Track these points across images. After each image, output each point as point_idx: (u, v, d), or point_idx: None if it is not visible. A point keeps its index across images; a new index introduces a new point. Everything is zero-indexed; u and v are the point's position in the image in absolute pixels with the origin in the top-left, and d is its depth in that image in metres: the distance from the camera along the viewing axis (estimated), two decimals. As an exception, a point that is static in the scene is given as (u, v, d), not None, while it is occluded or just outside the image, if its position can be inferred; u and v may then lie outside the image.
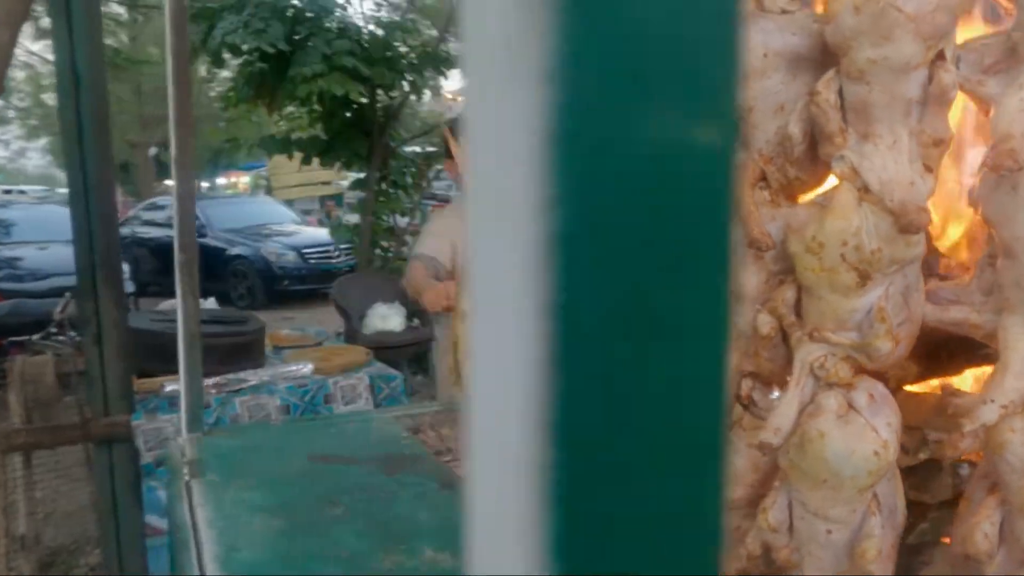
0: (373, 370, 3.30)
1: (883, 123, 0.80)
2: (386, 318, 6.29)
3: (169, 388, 2.81)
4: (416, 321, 6.29)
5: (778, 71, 0.88)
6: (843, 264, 0.80)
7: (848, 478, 0.81)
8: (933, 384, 1.17)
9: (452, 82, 7.94)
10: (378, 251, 7.24)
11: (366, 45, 5.98)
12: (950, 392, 1.08)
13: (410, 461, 1.51)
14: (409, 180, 7.19)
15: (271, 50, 5.49)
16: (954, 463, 1.10)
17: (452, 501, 1.34)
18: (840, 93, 0.83)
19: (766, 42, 0.88)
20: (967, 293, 0.86)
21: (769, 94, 0.89)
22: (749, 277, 0.90)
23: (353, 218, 8.18)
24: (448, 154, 3.11)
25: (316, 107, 6.77)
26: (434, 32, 7.56)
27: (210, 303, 4.03)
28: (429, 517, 1.24)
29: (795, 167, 0.90)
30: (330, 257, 10.60)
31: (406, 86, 6.55)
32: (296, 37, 5.94)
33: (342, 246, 10.44)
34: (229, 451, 1.53)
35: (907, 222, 0.75)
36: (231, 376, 2.99)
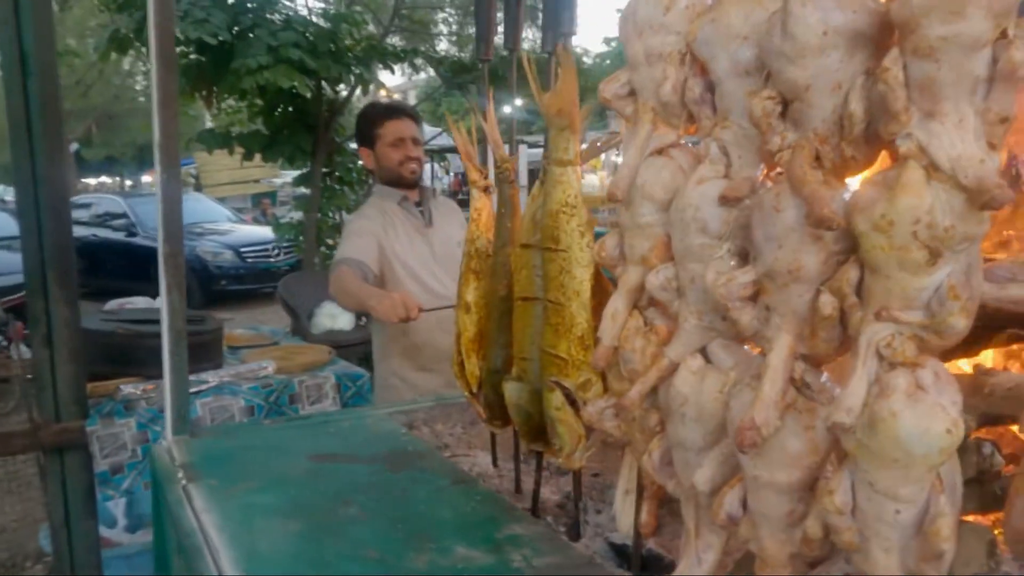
0: (338, 368, 3.22)
1: (949, 101, 0.80)
2: (335, 317, 6.15)
3: (126, 391, 2.67)
4: (364, 319, 6.18)
5: (837, 49, 0.87)
6: (914, 242, 0.80)
7: (920, 456, 0.81)
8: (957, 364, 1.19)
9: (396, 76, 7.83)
10: (323, 248, 7.09)
11: (311, 37, 5.83)
12: (984, 372, 1.10)
13: (415, 457, 1.46)
14: (355, 176, 7.06)
15: (213, 41, 5.29)
16: (978, 442, 1.12)
17: (469, 496, 1.30)
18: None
19: (826, 19, 0.87)
20: None
21: (827, 72, 0.88)
22: (808, 257, 0.89)
23: (296, 215, 7.98)
24: (361, 141, 2.88)
25: (257, 101, 6.58)
26: (379, 26, 7.45)
27: (159, 301, 3.87)
28: (450, 514, 1.19)
29: (851, 146, 0.89)
30: (269, 256, 10.34)
31: (352, 80, 6.42)
32: (237, 28, 5.75)
33: (283, 244, 10.19)
34: (222, 453, 1.45)
35: (988, 199, 0.75)
36: (191, 377, 2.86)
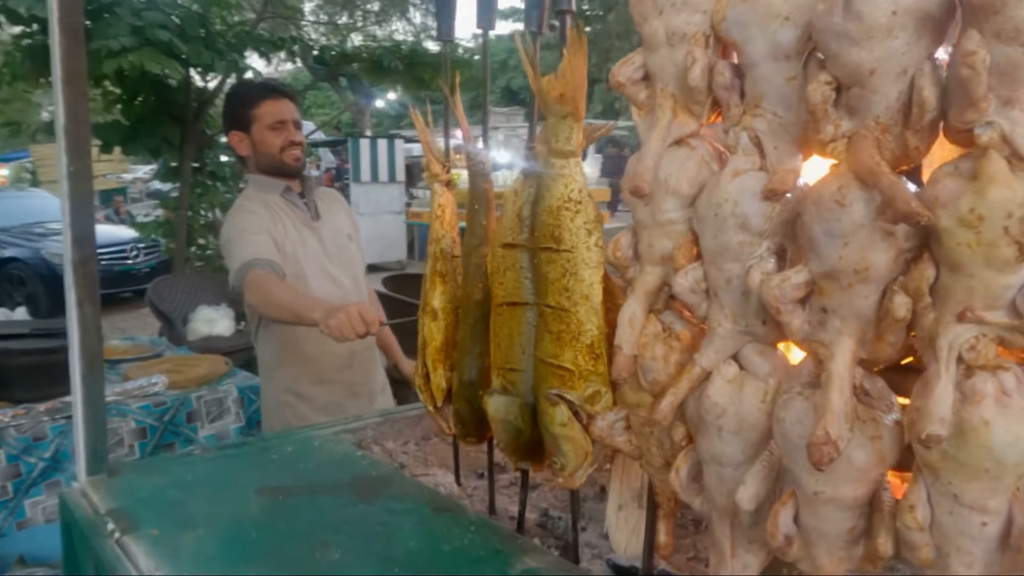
0: (239, 380, 2.94)
1: (1031, 87, 0.76)
2: (212, 321, 5.73)
3: (-4, 419, 2.31)
4: (243, 323, 5.79)
5: (905, 30, 0.81)
6: (1004, 237, 0.75)
7: (1012, 466, 0.76)
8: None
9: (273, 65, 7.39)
10: (195, 249, 6.58)
11: (179, 20, 5.36)
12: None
13: (382, 483, 1.30)
14: (228, 171, 6.60)
15: (66, 19, 4.74)
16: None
17: (460, 527, 1.17)
18: (976, 56, 0.78)
19: (896, -2, 0.80)
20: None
21: (894, 56, 0.82)
22: (878, 255, 0.82)
23: (160, 213, 7.37)
24: (233, 124, 2.48)
25: (114, 89, 6.00)
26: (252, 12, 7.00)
27: (20, 313, 3.40)
28: (449, 549, 1.05)
29: (916, 136, 0.83)
30: (127, 257, 9.52)
31: (223, 68, 5.98)
32: (91, 7, 5.20)
33: (142, 245, 9.42)
34: (153, 494, 1.23)
35: (1092, 191, 0.70)
36: (67, 399, 2.52)
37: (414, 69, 6.77)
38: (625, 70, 1.04)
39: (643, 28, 1.02)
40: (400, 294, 5.52)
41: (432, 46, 8.40)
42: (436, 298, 1.40)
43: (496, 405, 1.25)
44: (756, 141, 0.97)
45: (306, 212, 2.48)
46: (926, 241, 0.82)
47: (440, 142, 1.48)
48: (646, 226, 1.04)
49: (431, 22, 15.40)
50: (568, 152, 1.09)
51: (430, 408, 1.45)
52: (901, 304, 0.81)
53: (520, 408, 1.23)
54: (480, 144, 1.33)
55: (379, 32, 13.15)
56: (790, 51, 0.93)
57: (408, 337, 2.09)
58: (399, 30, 15.36)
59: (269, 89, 2.50)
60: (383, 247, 11.53)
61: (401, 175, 12.41)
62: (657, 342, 1.04)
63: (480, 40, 1.39)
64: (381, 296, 2.82)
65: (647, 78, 1.04)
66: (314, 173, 18.48)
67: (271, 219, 2.37)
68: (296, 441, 1.50)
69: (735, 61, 1.00)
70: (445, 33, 1.41)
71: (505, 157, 11.04)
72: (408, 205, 12.63)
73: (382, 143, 12.19)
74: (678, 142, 1.02)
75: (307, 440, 1.50)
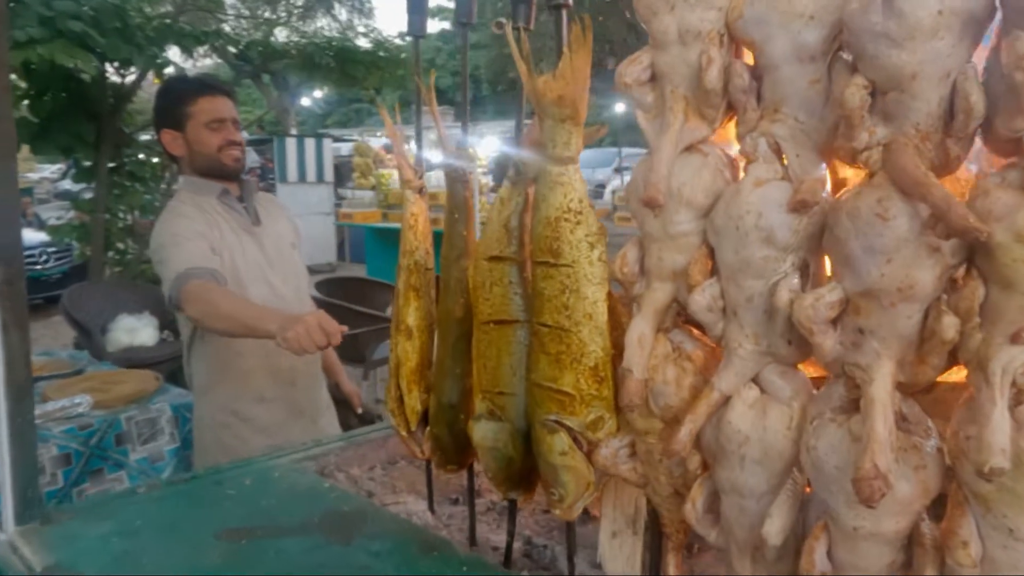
0: (172, 397, 2.74)
1: (1085, 94, 0.71)
2: (134, 331, 5.42)
3: None
4: (167, 333, 5.50)
5: (951, 31, 0.75)
6: (1065, 254, 0.70)
7: (1073, 497, 0.71)
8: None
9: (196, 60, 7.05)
10: (113, 254, 6.21)
11: (93, 11, 5.03)
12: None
13: (356, 520, 1.18)
14: (149, 171, 6.26)
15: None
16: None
17: (452, 567, 1.06)
18: None
19: (942, -4, 0.75)
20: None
21: (938, 58, 0.76)
22: (923, 272, 0.77)
23: (73, 215, 6.94)
24: (165, 122, 2.28)
25: (20, 83, 5.60)
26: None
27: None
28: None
29: (959, 144, 0.78)
30: (35, 263, 8.95)
31: (142, 62, 5.65)
32: (-6, -5, 4.83)
33: (51, 250, 8.89)
34: (97, 543, 1.08)
35: None
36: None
37: (345, 66, 6.58)
38: (632, 70, 0.96)
39: (652, 24, 0.94)
40: (335, 298, 5.34)
41: (364, 43, 8.20)
42: (410, 315, 1.30)
43: (483, 432, 1.15)
44: (776, 148, 0.91)
45: (245, 217, 2.31)
46: (971, 257, 0.77)
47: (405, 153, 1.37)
48: (656, 239, 0.96)
49: (358, 19, 15.08)
50: (567, 158, 1.01)
51: (403, 432, 1.35)
52: (950, 325, 0.76)
53: (510, 435, 1.14)
54: (458, 146, 1.23)
55: (304, 28, 12.78)
56: (815, 52, 0.87)
57: (340, 348, 1.95)
58: (325, 27, 14.99)
59: (206, 86, 2.32)
60: (312, 249, 11.19)
61: (329, 175, 12.11)
62: (668, 364, 0.96)
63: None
64: (316, 302, 2.66)
65: (654, 79, 0.97)
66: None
67: (206, 223, 2.19)
68: (254, 472, 1.36)
69: (748, 62, 0.94)
70: (416, 29, 1.31)
71: (437, 157, 10.87)
72: (337, 206, 12.33)
73: (309, 142, 11.86)
74: (689, 148, 0.95)
75: (266, 471, 1.36)
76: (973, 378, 0.77)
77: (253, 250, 2.27)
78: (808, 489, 0.90)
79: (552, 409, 1.04)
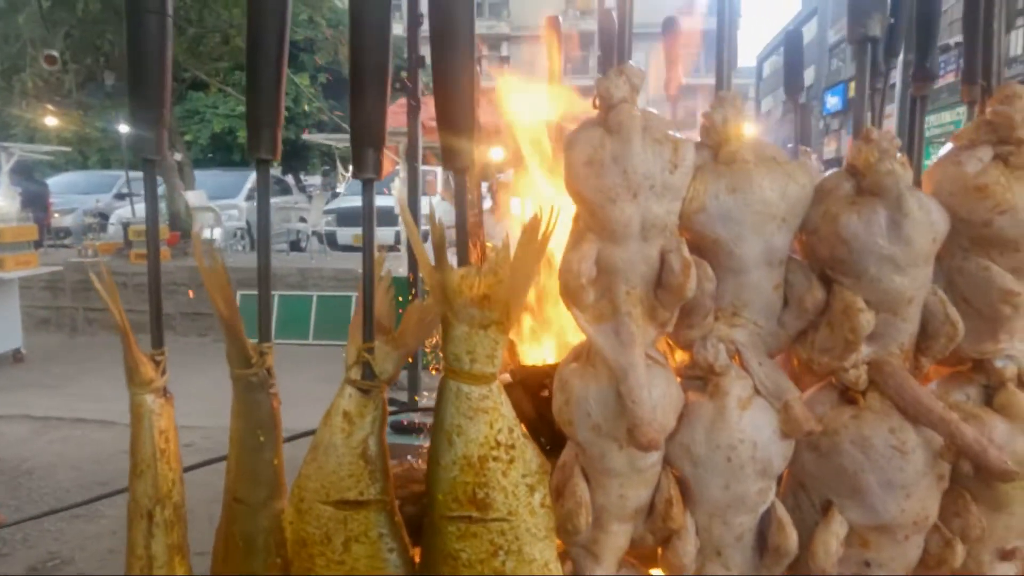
0: None
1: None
2: None
3: None
4: None
5: (931, 258, 0.75)
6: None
7: None
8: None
9: None
10: None
11: None
12: None
13: None
14: None
15: None
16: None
17: None
18: None
19: (935, 224, 0.74)
20: None
21: (926, 283, 0.76)
22: (934, 502, 0.76)
23: None
24: None
25: None
26: None
27: None
28: None
29: (931, 360, 0.79)
30: None
31: None
32: None
33: None
34: None
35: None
36: None
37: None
38: (585, 268, 0.74)
39: (607, 212, 0.74)
40: None
41: None
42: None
43: None
44: (735, 355, 0.80)
45: None
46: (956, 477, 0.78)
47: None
48: (618, 474, 0.77)
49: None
50: (490, 375, 0.75)
51: None
52: (960, 553, 0.75)
53: None
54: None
55: None
56: (783, 256, 0.79)
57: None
58: None
59: None
60: None
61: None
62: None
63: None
64: None
65: (602, 273, 0.77)
66: None
67: None
68: None
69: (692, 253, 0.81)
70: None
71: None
72: None
73: None
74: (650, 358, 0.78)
75: None
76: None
77: None
78: None
79: None
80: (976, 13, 1.05)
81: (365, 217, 0.84)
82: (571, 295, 0.75)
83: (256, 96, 0.78)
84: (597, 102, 0.77)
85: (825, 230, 0.76)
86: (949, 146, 0.81)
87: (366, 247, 0.83)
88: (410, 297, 1.32)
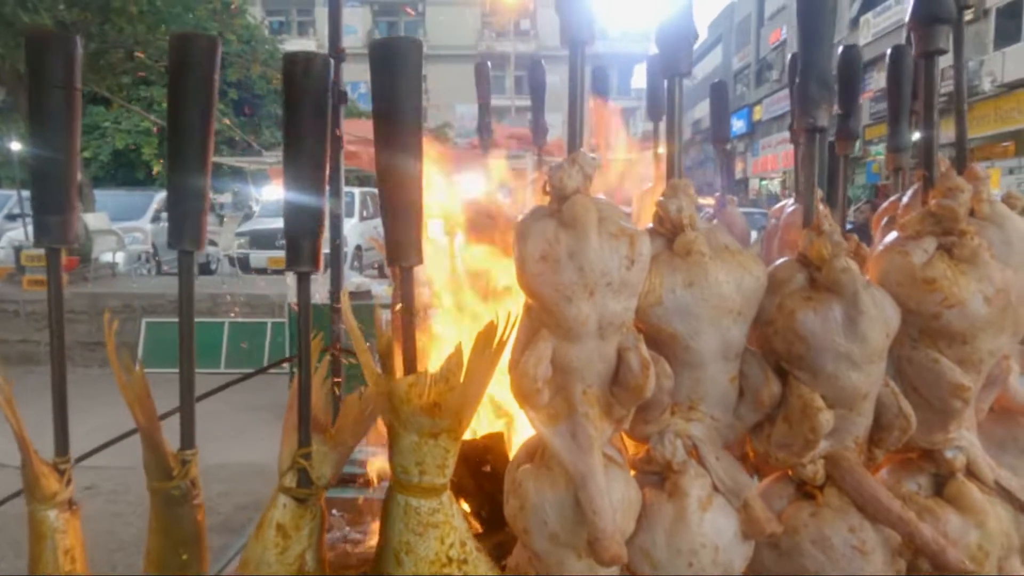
0: None
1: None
2: None
3: None
4: None
5: (884, 354, 0.75)
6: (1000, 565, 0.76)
7: None
8: None
9: None
10: None
11: None
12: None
13: None
14: None
15: None
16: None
17: None
18: None
19: (888, 321, 0.74)
20: None
21: (879, 378, 0.76)
22: (890, 600, 0.74)
23: None
24: None
25: None
26: None
27: None
28: None
29: (882, 453, 0.78)
30: None
31: None
32: None
33: None
34: None
35: None
36: None
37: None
38: (537, 369, 0.70)
39: (563, 310, 0.70)
40: None
41: None
42: None
43: None
44: (693, 450, 0.78)
45: None
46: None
47: None
48: (577, 584, 0.73)
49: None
50: (440, 487, 0.71)
51: None
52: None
53: None
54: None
55: None
56: (738, 349, 0.77)
57: None
58: None
59: None
60: None
61: None
62: None
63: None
64: None
65: (557, 372, 0.73)
66: None
67: None
68: None
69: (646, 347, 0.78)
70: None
71: None
72: None
73: None
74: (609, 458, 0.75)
75: None
76: None
77: None
78: None
79: None
80: (902, 88, 1.08)
81: (301, 308, 0.77)
82: (525, 397, 0.71)
83: (181, 183, 0.71)
84: (547, 189, 0.74)
85: (781, 324, 0.75)
86: (893, 234, 0.81)
87: (302, 338, 0.77)
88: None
